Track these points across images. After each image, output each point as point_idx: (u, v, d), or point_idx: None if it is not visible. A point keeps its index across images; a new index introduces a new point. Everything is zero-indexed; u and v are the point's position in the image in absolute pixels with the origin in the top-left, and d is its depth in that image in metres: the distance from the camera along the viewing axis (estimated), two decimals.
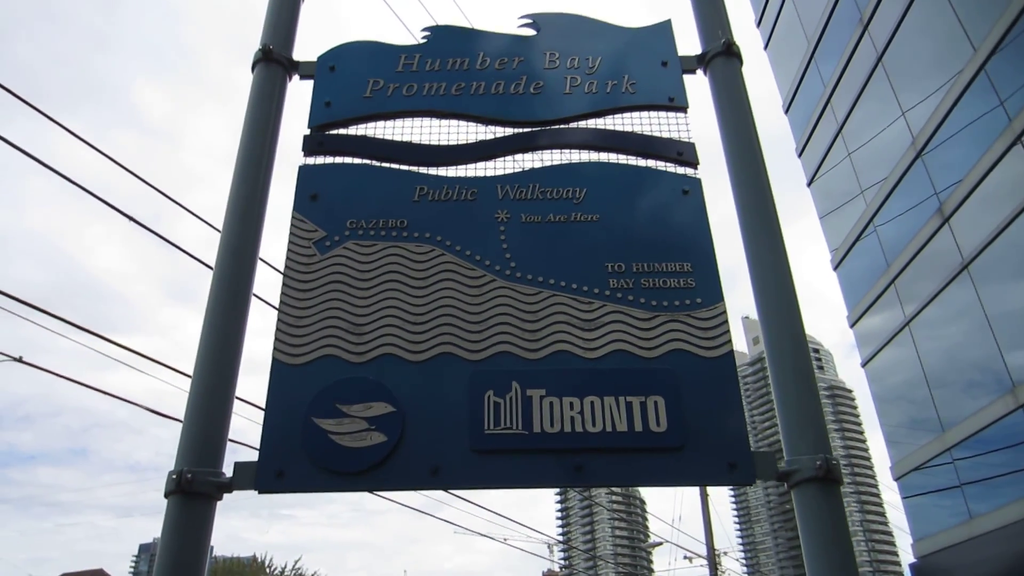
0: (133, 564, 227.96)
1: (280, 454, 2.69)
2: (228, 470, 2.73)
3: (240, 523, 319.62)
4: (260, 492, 2.71)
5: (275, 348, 2.87)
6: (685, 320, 2.87)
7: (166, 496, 2.63)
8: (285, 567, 67.47)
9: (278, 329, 2.91)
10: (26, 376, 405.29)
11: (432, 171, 3.27)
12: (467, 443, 2.65)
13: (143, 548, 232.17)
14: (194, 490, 2.58)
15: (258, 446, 2.75)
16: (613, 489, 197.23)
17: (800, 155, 22.11)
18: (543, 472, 2.63)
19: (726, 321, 2.88)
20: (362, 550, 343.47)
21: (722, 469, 2.61)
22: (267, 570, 67.36)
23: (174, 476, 2.61)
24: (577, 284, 2.95)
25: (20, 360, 9.85)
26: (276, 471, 2.66)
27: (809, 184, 21.56)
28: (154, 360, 8.61)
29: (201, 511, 2.63)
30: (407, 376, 2.78)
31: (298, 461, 2.66)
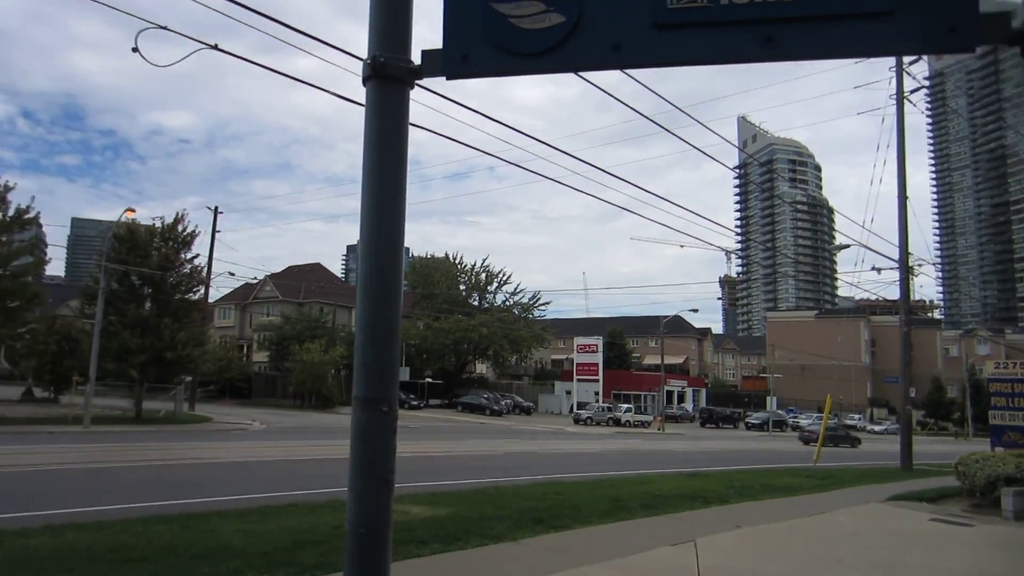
0: (344, 260, 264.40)
1: (463, 40, 2.75)
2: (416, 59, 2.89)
3: (432, 228, 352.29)
4: (448, 78, 2.84)
5: None
6: None
7: (364, 83, 2.84)
8: (474, 264, 75.45)
9: None
10: (227, 98, 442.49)
11: None
12: (649, 18, 2.53)
13: (350, 248, 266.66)
14: (388, 74, 2.77)
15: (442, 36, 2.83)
16: (798, 197, 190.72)
17: None
18: (730, 45, 2.49)
19: None
20: (543, 254, 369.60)
21: (939, 32, 2.32)
22: (458, 267, 75.61)
23: (368, 62, 2.80)
24: None
25: (215, 47, 10.63)
26: (461, 56, 2.75)
27: None
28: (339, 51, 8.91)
29: (396, 95, 2.83)
30: None
31: (481, 46, 2.72)
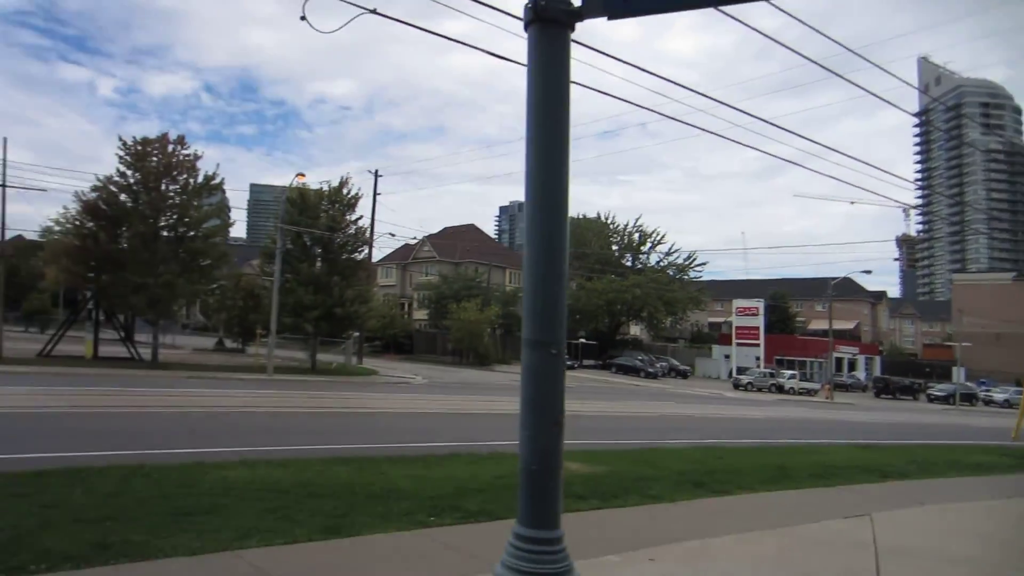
0: (497, 222, 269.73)
1: None
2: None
3: (583, 188, 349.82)
4: (610, 18, 2.71)
5: None
6: None
7: (526, 27, 2.75)
8: (627, 224, 74.26)
9: None
10: (385, 64, 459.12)
11: None
12: None
13: (502, 209, 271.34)
14: (549, 16, 2.68)
15: None
16: (992, 144, 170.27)
17: None
18: None
19: None
20: (698, 213, 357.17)
21: None
22: (610, 227, 74.75)
23: (529, 5, 2.71)
24: None
25: (375, 12, 10.87)
26: None
27: None
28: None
29: (557, 38, 2.73)
30: None
31: None
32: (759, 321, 66.29)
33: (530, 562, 2.86)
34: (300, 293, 32.03)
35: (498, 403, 24.57)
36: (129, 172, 29.01)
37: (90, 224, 28.89)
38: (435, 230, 76.38)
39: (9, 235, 35.34)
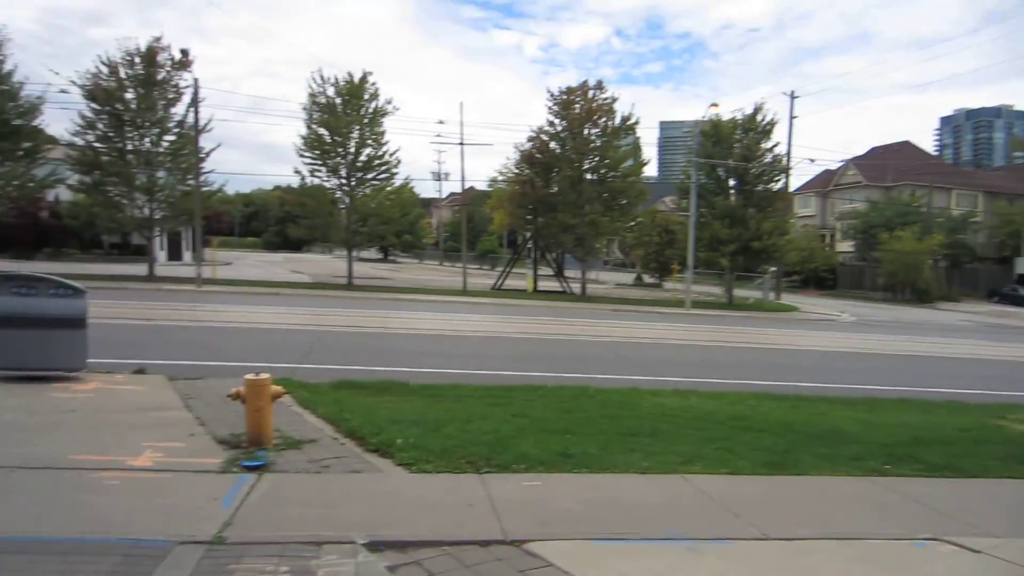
0: (937, 135, 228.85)
1: None
2: None
3: None
4: None
5: None
6: None
7: None
8: None
9: None
10: None
11: None
12: None
13: (944, 120, 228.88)
14: None
15: None
16: None
17: None
18: None
19: None
20: None
21: None
22: None
23: None
24: None
25: None
26: None
27: None
28: None
29: None
30: None
31: None
32: None
33: None
34: (715, 227, 31.79)
35: (950, 345, 21.28)
36: (556, 121, 31.84)
37: (527, 171, 32.60)
38: (860, 152, 68.64)
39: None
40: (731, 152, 32.69)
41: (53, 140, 29.90)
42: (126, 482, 4.95)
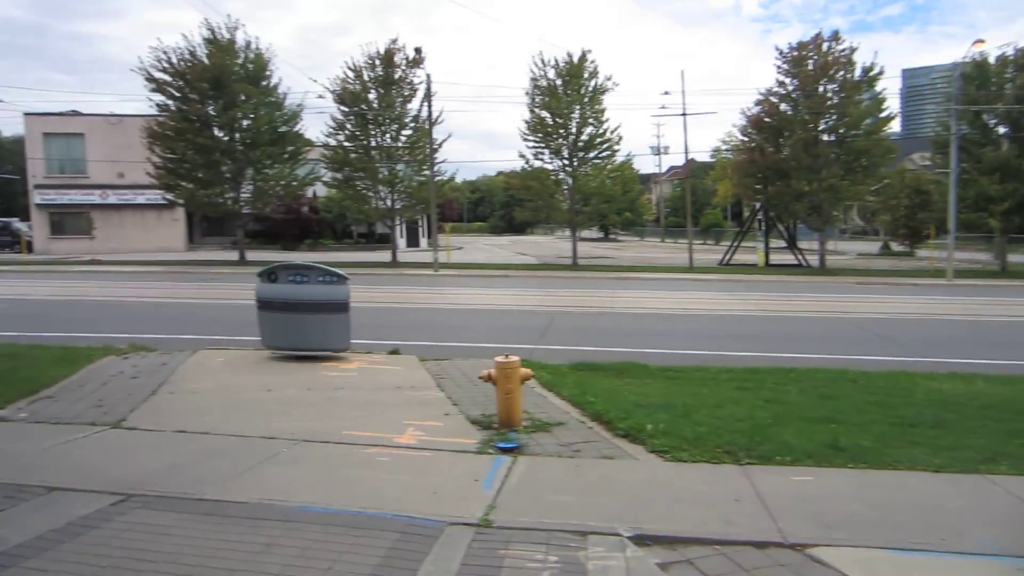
0: None
1: None
2: None
3: None
4: None
5: None
6: None
7: None
8: None
9: None
10: None
11: None
12: None
13: None
14: None
15: None
16: None
17: None
18: None
19: None
20: None
21: None
22: None
23: None
24: None
25: None
26: None
27: None
28: None
29: None
30: None
31: None
32: None
33: None
34: (982, 183, 27.57)
35: None
36: (787, 80, 29.48)
37: (755, 137, 30.58)
38: None
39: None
40: (1002, 95, 28.13)
41: (311, 143, 33.56)
42: (394, 459, 5.25)
